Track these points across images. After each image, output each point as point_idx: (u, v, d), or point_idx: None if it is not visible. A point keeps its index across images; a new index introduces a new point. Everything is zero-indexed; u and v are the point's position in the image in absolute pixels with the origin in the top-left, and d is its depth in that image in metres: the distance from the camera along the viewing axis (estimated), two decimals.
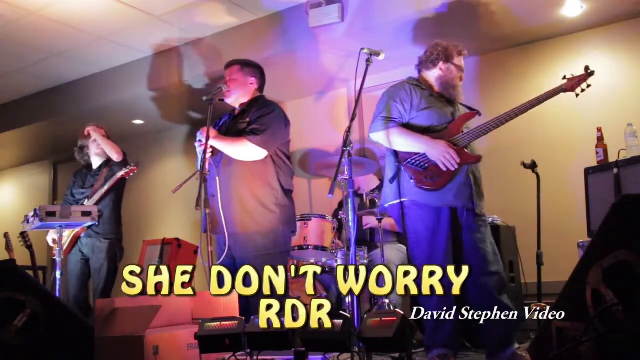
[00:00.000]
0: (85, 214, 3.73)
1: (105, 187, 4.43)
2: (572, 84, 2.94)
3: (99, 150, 4.60)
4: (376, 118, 2.97)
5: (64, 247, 4.41)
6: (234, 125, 3.35)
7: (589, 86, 2.96)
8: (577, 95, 2.96)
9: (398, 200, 2.89)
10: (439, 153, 2.83)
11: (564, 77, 2.98)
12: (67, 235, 4.41)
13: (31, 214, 3.68)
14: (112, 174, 4.51)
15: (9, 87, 6.08)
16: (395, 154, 2.97)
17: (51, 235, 4.42)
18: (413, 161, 2.89)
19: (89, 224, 3.96)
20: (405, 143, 2.90)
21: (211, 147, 3.19)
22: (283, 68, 4.99)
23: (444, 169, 2.84)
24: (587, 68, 2.96)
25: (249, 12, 4.76)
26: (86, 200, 4.46)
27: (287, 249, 3.36)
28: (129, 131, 6.48)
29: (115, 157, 4.50)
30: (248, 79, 3.44)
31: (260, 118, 3.26)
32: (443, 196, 2.86)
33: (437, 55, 3.06)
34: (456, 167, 2.84)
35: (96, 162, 4.66)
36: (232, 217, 3.18)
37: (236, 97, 3.40)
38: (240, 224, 3.17)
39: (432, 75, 3.09)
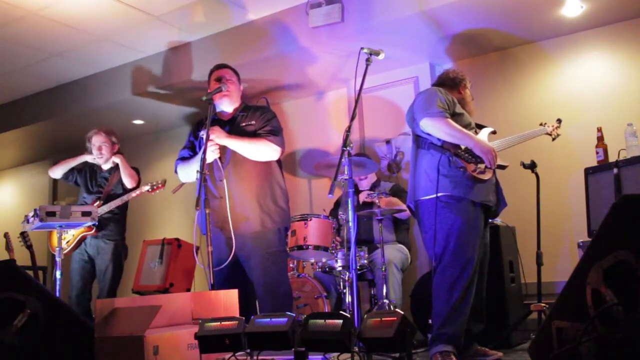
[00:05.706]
0: (85, 213, 3.73)
1: (124, 198, 4.45)
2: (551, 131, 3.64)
3: (107, 155, 4.61)
4: (431, 107, 2.97)
5: (70, 247, 4.43)
6: (235, 128, 3.34)
7: (558, 135, 3.65)
8: (554, 139, 3.65)
9: (435, 195, 2.92)
10: (487, 149, 2.94)
11: (541, 124, 3.63)
12: (73, 237, 4.45)
13: (31, 214, 3.68)
14: (125, 187, 4.54)
15: (9, 87, 6.08)
16: (435, 145, 3.01)
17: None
18: (462, 153, 2.95)
19: (89, 223, 3.96)
20: (456, 134, 2.95)
21: (219, 148, 3.20)
22: (283, 68, 4.99)
23: (488, 165, 2.96)
24: (559, 120, 3.69)
25: (249, 12, 4.76)
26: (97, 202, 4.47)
27: (285, 247, 3.44)
28: (129, 131, 6.48)
29: (129, 184, 4.54)
30: (239, 85, 3.51)
31: (269, 121, 3.34)
32: (483, 192, 2.98)
33: (460, 81, 3.27)
34: (495, 166, 2.98)
35: (106, 164, 4.64)
36: (246, 217, 3.20)
37: (233, 100, 3.42)
38: (258, 222, 3.21)
39: (453, 94, 3.20)
